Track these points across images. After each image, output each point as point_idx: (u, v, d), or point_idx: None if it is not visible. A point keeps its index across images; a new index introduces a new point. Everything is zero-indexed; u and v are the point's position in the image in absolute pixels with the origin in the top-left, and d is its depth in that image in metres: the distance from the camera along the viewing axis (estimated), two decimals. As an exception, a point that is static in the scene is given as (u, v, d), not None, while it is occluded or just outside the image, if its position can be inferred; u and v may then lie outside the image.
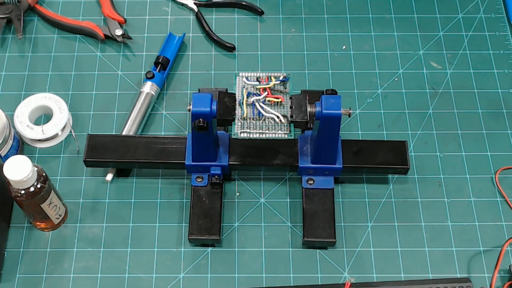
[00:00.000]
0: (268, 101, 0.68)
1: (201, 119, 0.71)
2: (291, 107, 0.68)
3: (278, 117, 0.67)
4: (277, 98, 0.68)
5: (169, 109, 0.84)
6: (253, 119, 0.67)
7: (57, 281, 0.73)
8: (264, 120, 0.67)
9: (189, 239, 0.73)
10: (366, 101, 0.85)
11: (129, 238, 0.75)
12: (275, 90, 0.69)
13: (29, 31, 0.91)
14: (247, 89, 0.68)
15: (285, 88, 0.69)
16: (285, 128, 0.67)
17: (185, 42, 0.90)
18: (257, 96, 0.68)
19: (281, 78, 0.69)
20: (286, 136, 0.67)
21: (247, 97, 0.68)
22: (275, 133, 0.67)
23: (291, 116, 0.67)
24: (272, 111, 0.67)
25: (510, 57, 0.89)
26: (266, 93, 0.68)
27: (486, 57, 0.89)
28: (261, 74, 0.69)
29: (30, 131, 0.79)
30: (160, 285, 0.73)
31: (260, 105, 0.67)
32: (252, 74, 0.70)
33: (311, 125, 0.78)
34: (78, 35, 0.90)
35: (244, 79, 0.69)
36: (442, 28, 0.91)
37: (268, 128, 0.68)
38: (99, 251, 0.75)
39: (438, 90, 0.86)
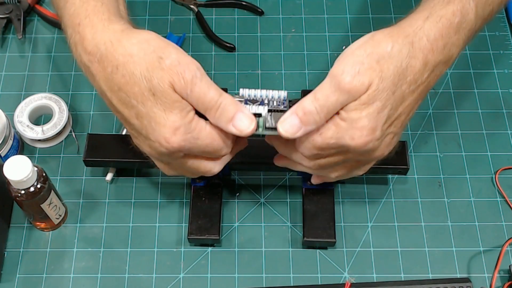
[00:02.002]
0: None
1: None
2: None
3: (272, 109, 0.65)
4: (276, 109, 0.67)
5: (169, 109, 0.84)
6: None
7: (57, 281, 0.73)
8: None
9: (188, 239, 0.73)
10: (366, 101, 0.85)
11: (129, 238, 0.75)
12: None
13: (29, 31, 0.91)
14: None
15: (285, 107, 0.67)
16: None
17: (185, 42, 0.90)
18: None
19: (275, 104, 0.64)
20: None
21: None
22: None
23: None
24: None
25: (510, 57, 0.89)
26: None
27: (486, 57, 0.89)
28: (259, 94, 0.64)
29: (30, 131, 0.79)
30: (160, 285, 0.73)
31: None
32: (251, 93, 0.64)
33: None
34: (78, 35, 0.90)
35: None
36: (442, 28, 0.91)
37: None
38: (99, 251, 0.75)
39: (438, 90, 0.86)
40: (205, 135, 0.60)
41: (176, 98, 0.57)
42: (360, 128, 0.58)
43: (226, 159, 0.65)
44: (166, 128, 0.58)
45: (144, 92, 0.57)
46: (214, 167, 0.65)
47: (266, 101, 0.63)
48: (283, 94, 0.62)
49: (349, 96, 0.57)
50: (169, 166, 0.65)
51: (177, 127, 0.58)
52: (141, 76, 0.57)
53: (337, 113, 0.59)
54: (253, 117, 0.60)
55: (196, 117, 0.60)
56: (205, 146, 0.60)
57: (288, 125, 0.59)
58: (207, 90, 0.58)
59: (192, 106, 0.59)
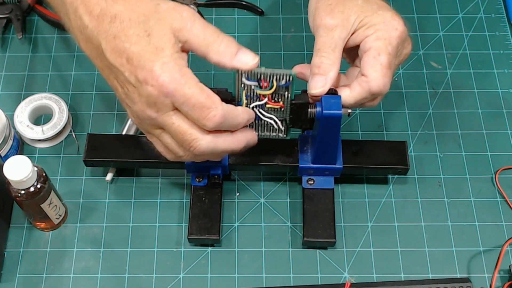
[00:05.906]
0: (268, 108, 0.67)
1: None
2: (290, 116, 0.68)
3: (276, 122, 0.67)
4: (277, 105, 0.67)
5: (169, 109, 0.84)
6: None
7: (57, 281, 0.73)
8: (262, 121, 0.68)
9: (188, 238, 0.73)
10: (366, 101, 0.85)
11: (129, 238, 0.75)
12: (276, 93, 0.67)
13: (29, 31, 0.91)
14: (246, 90, 0.67)
15: (288, 92, 0.67)
16: (283, 131, 0.68)
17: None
18: (257, 101, 0.67)
19: (283, 82, 0.67)
20: (281, 136, 0.68)
21: (246, 99, 0.66)
22: (271, 135, 0.68)
23: (290, 123, 0.68)
24: (271, 115, 0.67)
25: (510, 57, 0.89)
26: (266, 99, 0.67)
27: (486, 57, 0.89)
28: (262, 72, 0.66)
29: (30, 131, 0.79)
30: (160, 285, 0.73)
31: (259, 111, 0.67)
32: (253, 72, 0.66)
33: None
34: (78, 35, 0.90)
35: (244, 79, 0.66)
36: (442, 28, 0.91)
37: (266, 128, 0.68)
38: (99, 251, 0.75)
39: (438, 90, 0.86)
40: (193, 83, 0.59)
41: (172, 39, 0.58)
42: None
43: (217, 141, 0.62)
44: (155, 62, 0.57)
45: (139, 33, 0.58)
46: (200, 139, 0.60)
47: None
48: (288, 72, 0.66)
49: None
50: (159, 134, 0.63)
51: (165, 62, 0.57)
52: (137, 20, 0.58)
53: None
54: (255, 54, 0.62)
55: (187, 68, 0.60)
56: (192, 96, 0.58)
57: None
58: (207, 25, 0.60)
59: (191, 47, 0.60)
